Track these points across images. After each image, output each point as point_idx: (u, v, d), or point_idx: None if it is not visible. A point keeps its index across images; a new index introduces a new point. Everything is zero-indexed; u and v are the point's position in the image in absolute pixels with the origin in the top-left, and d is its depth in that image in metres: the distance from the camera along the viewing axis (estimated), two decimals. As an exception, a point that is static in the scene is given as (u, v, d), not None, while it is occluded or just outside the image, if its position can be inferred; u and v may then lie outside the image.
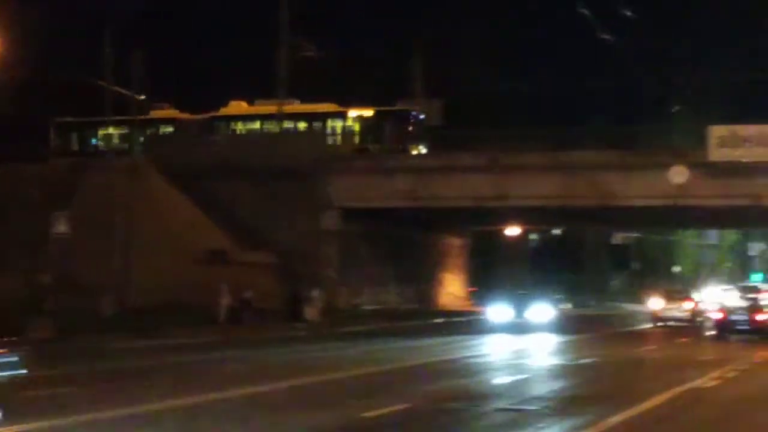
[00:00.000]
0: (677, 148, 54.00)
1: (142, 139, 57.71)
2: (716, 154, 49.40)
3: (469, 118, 59.87)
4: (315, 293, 46.77)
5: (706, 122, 51.76)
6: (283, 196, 52.22)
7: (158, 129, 60.36)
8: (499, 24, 72.62)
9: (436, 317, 53.00)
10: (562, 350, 33.53)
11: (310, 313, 45.79)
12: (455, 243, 68.06)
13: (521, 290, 48.84)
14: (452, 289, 66.79)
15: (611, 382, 23.33)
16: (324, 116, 56.86)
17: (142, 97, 52.67)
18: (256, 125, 58.21)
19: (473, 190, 52.03)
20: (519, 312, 43.66)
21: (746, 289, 59.41)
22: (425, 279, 62.97)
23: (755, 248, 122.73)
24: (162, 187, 52.29)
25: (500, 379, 23.53)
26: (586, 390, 21.40)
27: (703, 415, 18.13)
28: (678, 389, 21.20)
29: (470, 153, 53.21)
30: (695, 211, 56.09)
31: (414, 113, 55.90)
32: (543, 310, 44.68)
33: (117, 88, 49.88)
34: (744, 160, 48.93)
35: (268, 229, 52.19)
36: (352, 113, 56.02)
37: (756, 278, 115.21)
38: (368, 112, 55.90)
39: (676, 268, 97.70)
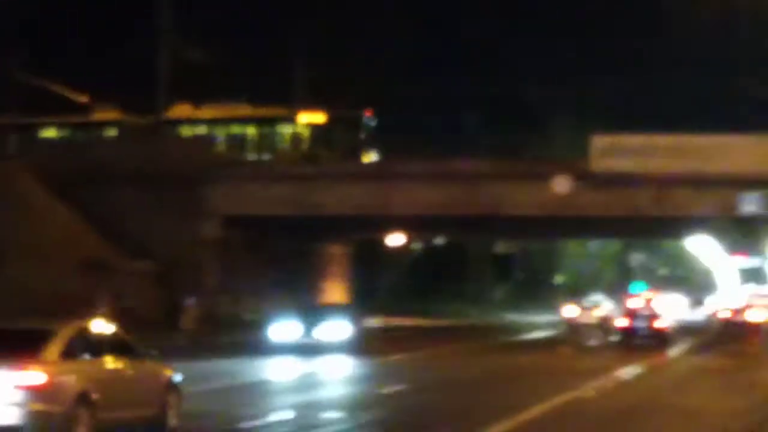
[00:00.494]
0: (561, 158, 54.53)
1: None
2: (598, 164, 49.78)
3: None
4: (191, 302, 46.05)
5: (590, 131, 52.38)
6: (166, 204, 51.31)
7: (102, 131, 58.39)
8: (385, 29, 72.60)
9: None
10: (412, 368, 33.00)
11: (186, 322, 45.07)
12: (337, 252, 67.76)
13: (313, 304, 44.73)
14: (334, 298, 66.50)
15: (488, 395, 23.03)
16: (273, 120, 55.83)
17: (84, 98, 51.20)
18: (203, 129, 57.09)
19: (356, 199, 51.72)
20: (308, 330, 37.41)
21: (645, 299, 61.56)
22: (307, 288, 62.58)
23: (636, 259, 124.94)
24: (37, 194, 50.99)
25: (369, 391, 23.21)
26: (463, 402, 21.16)
27: (578, 427, 17.95)
28: (556, 400, 21.04)
29: (354, 161, 53.15)
30: (577, 222, 56.57)
31: (366, 118, 55.26)
32: (338, 327, 38.19)
33: (55, 88, 48.03)
34: (625, 170, 49.39)
35: (150, 236, 51.23)
36: (303, 118, 54.84)
37: (637, 288, 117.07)
38: (319, 117, 54.81)
39: (559, 278, 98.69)
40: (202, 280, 50.72)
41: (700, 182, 48.69)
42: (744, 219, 47.74)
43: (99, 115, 58.24)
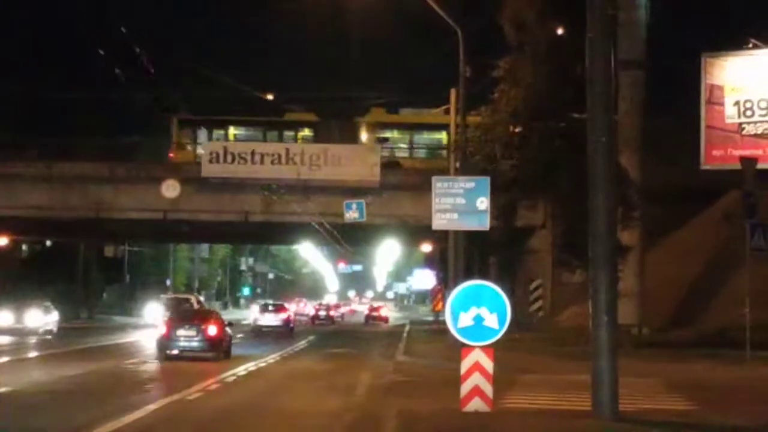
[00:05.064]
0: (171, 162, 54.66)
1: None
2: (209, 169, 50.37)
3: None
4: None
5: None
6: None
7: (296, 132, 56.97)
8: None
9: None
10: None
11: None
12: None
13: None
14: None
15: (91, 400, 22.75)
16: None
17: (270, 96, 47.99)
18: (397, 134, 55.52)
19: (-42, 199, 50.09)
20: None
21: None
22: None
23: (245, 263, 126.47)
24: None
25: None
26: (74, 406, 20.89)
27: (181, 429, 18.07)
28: (162, 402, 21.12)
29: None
30: (187, 225, 56.84)
31: None
32: None
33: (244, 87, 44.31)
34: (235, 175, 50.18)
35: None
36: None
37: (246, 291, 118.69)
38: None
39: (168, 281, 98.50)
40: None
41: (307, 189, 50.16)
42: (348, 225, 49.39)
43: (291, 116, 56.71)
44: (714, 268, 42.30)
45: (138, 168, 52.28)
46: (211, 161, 50.48)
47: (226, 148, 51.13)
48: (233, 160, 50.44)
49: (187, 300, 56.58)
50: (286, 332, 57.76)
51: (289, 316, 62.91)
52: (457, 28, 38.47)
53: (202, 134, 57.77)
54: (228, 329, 35.77)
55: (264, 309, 63.80)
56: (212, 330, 33.88)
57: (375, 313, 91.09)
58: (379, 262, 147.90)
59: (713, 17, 55.03)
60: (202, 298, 70.73)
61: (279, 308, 63.90)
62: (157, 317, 53.66)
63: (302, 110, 58.86)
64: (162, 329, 34.45)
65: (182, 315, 37.58)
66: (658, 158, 43.33)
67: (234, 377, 27.60)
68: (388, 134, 57.38)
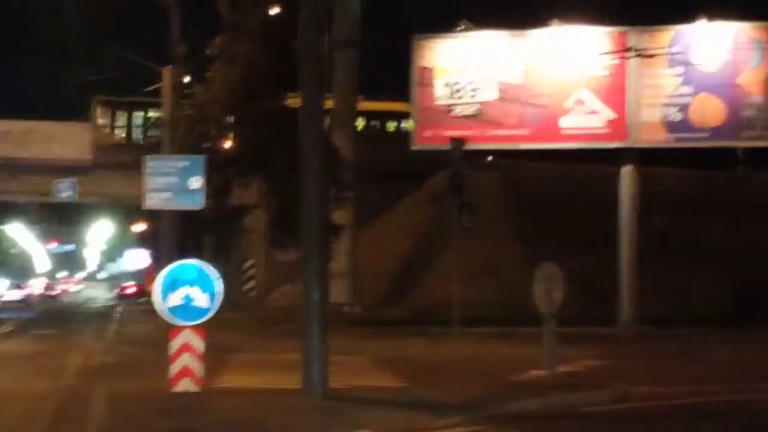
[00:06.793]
0: None
1: None
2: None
3: None
4: None
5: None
6: None
7: None
8: None
9: None
10: None
11: None
12: None
13: None
14: None
15: None
16: None
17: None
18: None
19: None
20: None
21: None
22: None
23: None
24: None
25: None
26: None
27: None
28: None
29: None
30: None
31: None
32: None
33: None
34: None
35: None
36: None
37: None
38: None
39: None
40: None
41: (16, 168, 48.75)
42: (60, 205, 48.45)
43: None
44: (425, 246, 43.38)
45: None
46: None
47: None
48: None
49: None
50: (24, 306, 71.28)
51: (30, 294, 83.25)
52: (169, 4, 38.02)
53: (121, 116, 56.89)
54: None
55: (11, 286, 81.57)
56: None
57: (124, 292, 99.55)
58: (92, 241, 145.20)
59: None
60: None
61: (21, 286, 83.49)
62: None
63: None
64: None
65: None
66: (372, 137, 44.12)
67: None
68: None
